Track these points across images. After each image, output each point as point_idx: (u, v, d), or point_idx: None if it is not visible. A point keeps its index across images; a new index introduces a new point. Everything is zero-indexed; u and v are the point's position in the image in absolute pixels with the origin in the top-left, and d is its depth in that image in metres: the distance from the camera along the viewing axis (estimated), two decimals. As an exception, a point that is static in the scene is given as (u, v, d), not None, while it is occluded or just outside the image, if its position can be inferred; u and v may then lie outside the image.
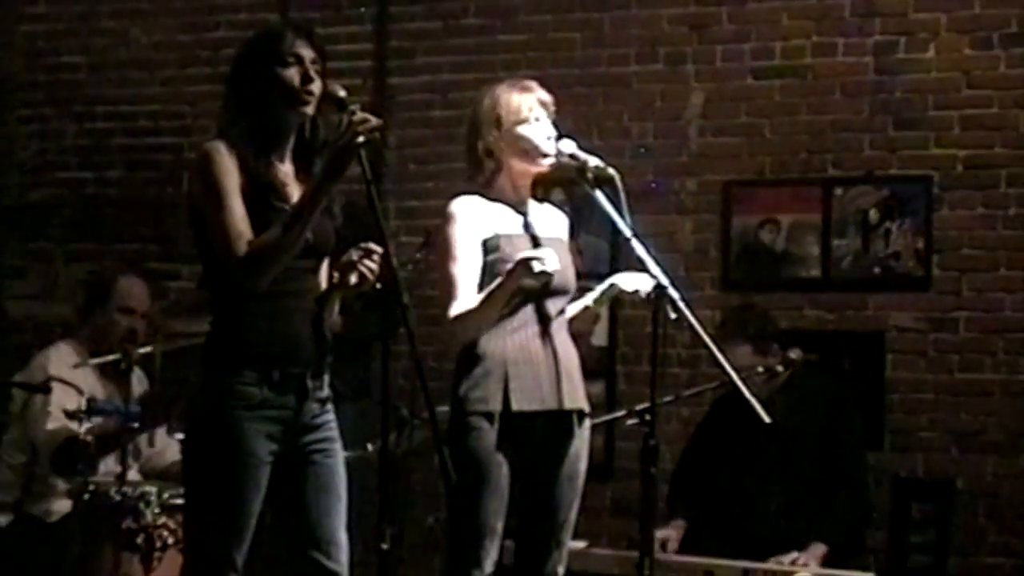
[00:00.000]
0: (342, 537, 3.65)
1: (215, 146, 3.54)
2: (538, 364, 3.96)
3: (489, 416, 3.92)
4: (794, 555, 4.97)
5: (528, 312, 3.99)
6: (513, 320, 3.98)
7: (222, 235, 3.48)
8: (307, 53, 3.61)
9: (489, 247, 3.99)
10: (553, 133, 4.06)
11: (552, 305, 4.02)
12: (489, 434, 3.91)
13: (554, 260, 3.83)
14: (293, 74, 3.58)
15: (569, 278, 4.07)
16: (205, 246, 3.58)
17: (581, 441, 4.06)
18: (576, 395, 4.02)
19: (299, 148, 3.67)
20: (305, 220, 3.47)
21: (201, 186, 3.53)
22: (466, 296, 3.94)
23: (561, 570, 4.08)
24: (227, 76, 3.68)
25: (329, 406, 3.69)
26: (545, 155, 4.04)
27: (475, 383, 3.95)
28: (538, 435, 3.97)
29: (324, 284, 3.70)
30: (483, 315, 3.93)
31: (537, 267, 3.80)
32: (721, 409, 5.33)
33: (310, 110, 3.62)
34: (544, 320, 4.00)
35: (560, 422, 4.00)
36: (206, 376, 3.57)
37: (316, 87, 3.60)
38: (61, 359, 5.37)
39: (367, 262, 3.59)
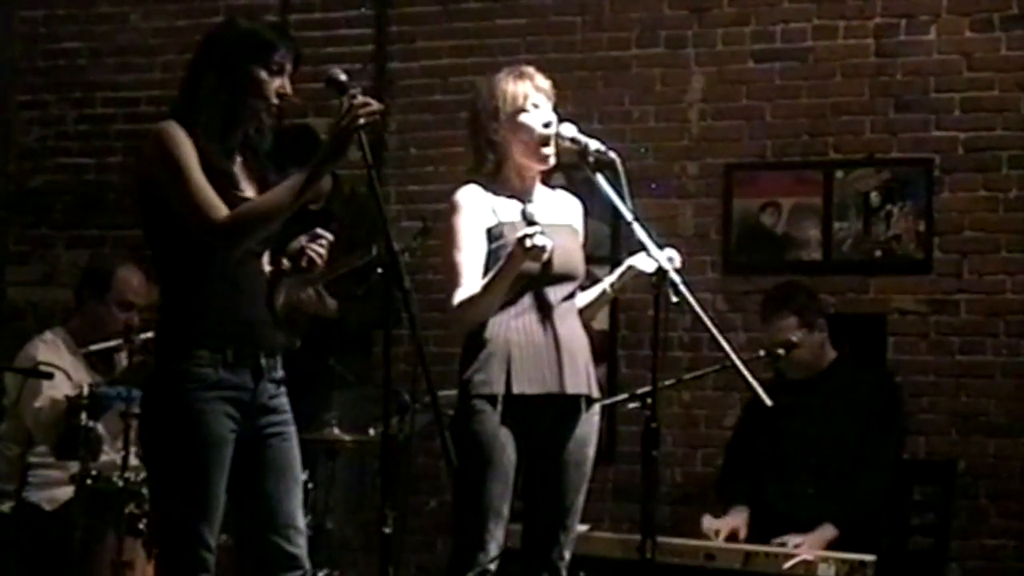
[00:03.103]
0: (300, 521, 3.70)
1: (171, 125, 3.56)
2: (541, 348, 3.97)
3: (492, 399, 3.94)
4: (796, 539, 4.97)
5: (533, 297, 4.00)
6: (517, 305, 3.99)
7: (194, 206, 3.50)
8: (290, 67, 3.66)
9: (493, 235, 4.01)
10: (552, 119, 4.04)
11: (558, 290, 4.02)
12: (492, 417, 3.93)
13: (546, 238, 3.83)
14: (275, 84, 3.64)
15: (574, 263, 4.08)
16: (158, 228, 3.60)
17: (588, 426, 4.07)
18: (580, 380, 4.02)
19: (245, 145, 3.71)
20: (299, 195, 3.50)
21: (161, 164, 3.54)
22: (470, 283, 3.96)
23: (567, 554, 4.09)
24: (201, 58, 3.66)
25: (283, 388, 3.72)
26: (543, 142, 4.03)
27: (479, 367, 3.97)
28: (542, 419, 3.98)
29: (266, 270, 3.74)
30: (487, 301, 3.94)
31: (528, 243, 3.81)
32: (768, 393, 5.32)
33: (269, 121, 3.68)
34: (549, 305, 4.01)
35: (564, 406, 4.01)
36: (160, 359, 3.60)
37: (284, 102, 3.66)
38: (49, 348, 5.38)
39: (314, 247, 3.66)
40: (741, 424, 5.56)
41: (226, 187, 3.56)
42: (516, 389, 3.94)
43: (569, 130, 4.04)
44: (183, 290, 3.60)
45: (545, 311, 4.00)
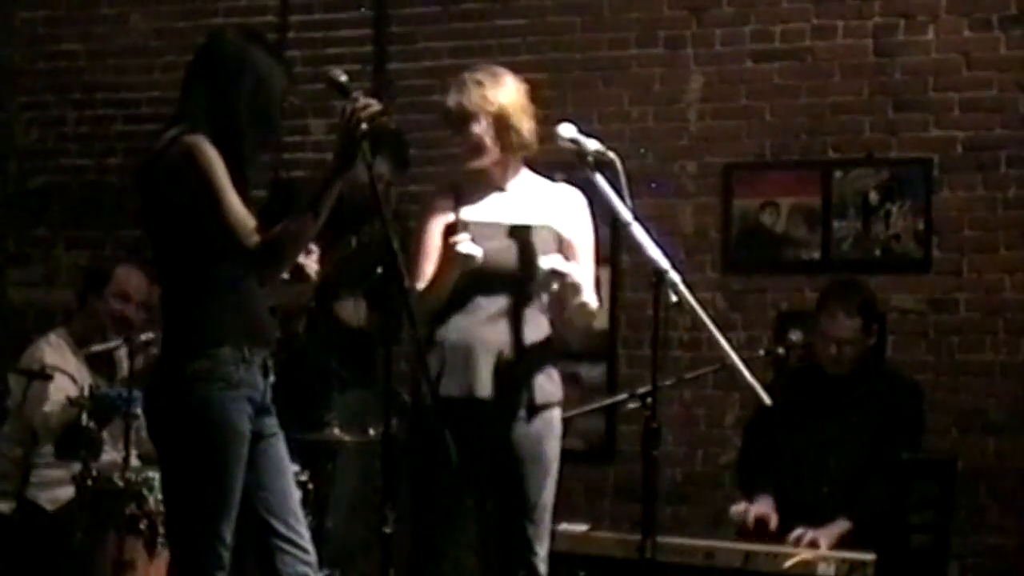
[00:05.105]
0: (302, 515, 3.75)
1: (200, 140, 3.55)
2: (470, 353, 4.06)
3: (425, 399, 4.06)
4: (809, 535, 4.97)
5: (478, 301, 4.06)
6: (465, 309, 4.10)
7: (230, 227, 3.50)
8: None
9: (450, 231, 4.12)
10: (467, 143, 4.16)
11: (503, 294, 4.10)
12: (426, 417, 4.04)
13: (473, 247, 3.97)
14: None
15: (522, 266, 4.12)
16: (172, 233, 3.59)
17: (540, 424, 4.14)
18: (508, 385, 4.08)
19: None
20: (321, 210, 3.52)
21: (194, 180, 3.52)
22: (424, 278, 4.13)
23: (542, 550, 4.14)
24: (239, 76, 3.64)
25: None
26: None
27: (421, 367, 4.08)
28: (478, 421, 4.03)
29: None
30: (431, 296, 4.10)
31: (454, 250, 3.98)
32: (784, 387, 5.29)
33: None
34: (491, 309, 4.07)
35: (496, 410, 4.06)
36: (175, 360, 3.59)
37: None
38: (54, 350, 5.39)
39: (308, 262, 3.80)
40: (761, 413, 5.50)
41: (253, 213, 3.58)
42: (442, 391, 4.02)
43: (568, 130, 4.06)
44: (199, 291, 3.60)
45: (488, 315, 4.08)
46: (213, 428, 3.54)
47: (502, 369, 4.07)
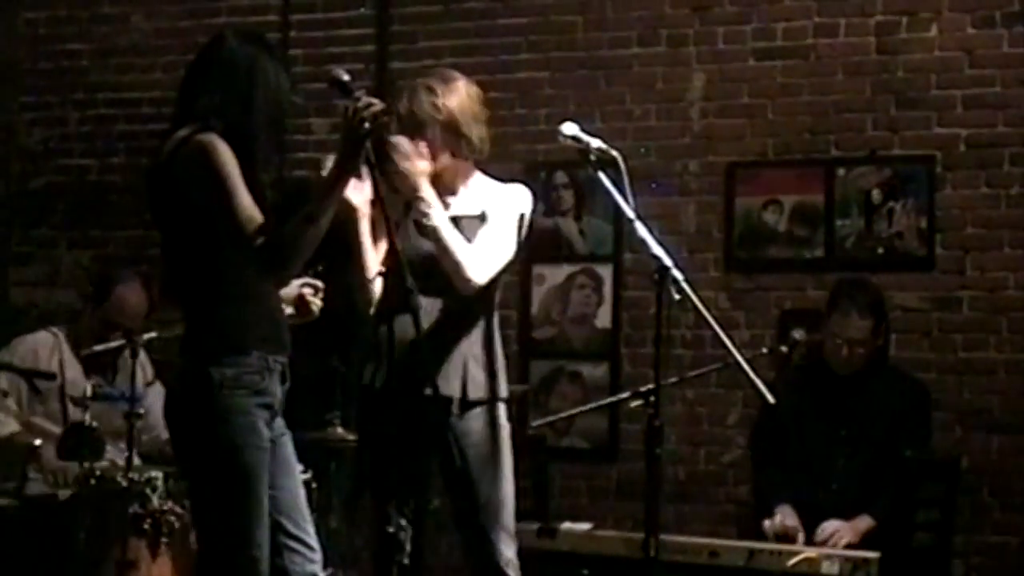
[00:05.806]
0: (309, 514, 3.74)
1: (215, 138, 3.53)
2: (409, 346, 4.02)
3: (365, 389, 4.08)
4: (836, 525, 4.98)
5: (420, 297, 4.06)
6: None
7: (239, 225, 3.48)
8: None
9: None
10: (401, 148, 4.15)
11: (445, 289, 4.09)
12: (365, 406, 4.10)
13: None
14: None
15: None
16: (198, 238, 3.57)
17: (481, 422, 4.11)
18: (446, 382, 4.06)
19: None
20: (326, 211, 3.50)
21: (209, 178, 3.50)
22: (370, 270, 4.12)
23: (509, 551, 4.11)
24: (247, 74, 3.63)
25: None
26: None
27: (366, 359, 4.11)
28: (421, 414, 4.00)
29: None
30: (374, 287, 4.10)
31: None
32: (790, 385, 5.27)
33: None
34: (434, 304, 4.06)
35: (435, 404, 4.03)
36: (201, 364, 3.56)
37: None
38: (27, 348, 5.39)
39: (317, 301, 3.88)
40: (767, 412, 5.48)
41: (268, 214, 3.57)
42: (379, 383, 4.04)
43: (570, 129, 4.05)
44: (221, 296, 3.59)
45: (427, 310, 4.04)
46: (242, 434, 3.53)
47: (439, 364, 4.06)
